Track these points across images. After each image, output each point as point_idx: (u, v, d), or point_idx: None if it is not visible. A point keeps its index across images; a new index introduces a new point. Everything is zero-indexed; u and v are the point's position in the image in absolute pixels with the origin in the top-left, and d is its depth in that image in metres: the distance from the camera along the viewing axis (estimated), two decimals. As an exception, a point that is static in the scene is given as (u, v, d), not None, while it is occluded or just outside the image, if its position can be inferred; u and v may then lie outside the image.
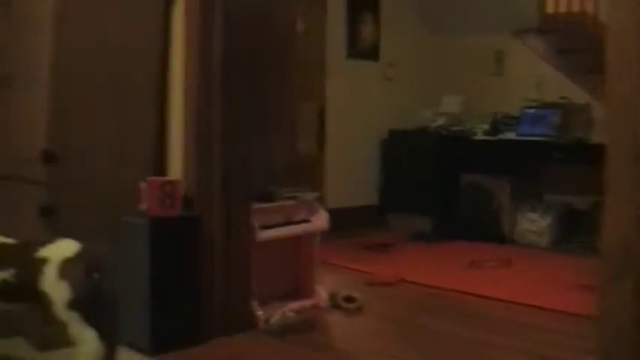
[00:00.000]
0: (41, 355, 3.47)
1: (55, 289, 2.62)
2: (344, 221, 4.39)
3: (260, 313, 3.92)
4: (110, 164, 3.69)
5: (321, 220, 4.34)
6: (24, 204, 3.62)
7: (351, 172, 7.20)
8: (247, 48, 3.81)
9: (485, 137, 7.10)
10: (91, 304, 2.64)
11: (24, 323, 3.59)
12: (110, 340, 2.67)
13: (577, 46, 6.29)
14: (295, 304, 4.24)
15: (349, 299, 4.40)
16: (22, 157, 3.66)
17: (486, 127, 7.14)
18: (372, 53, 7.66)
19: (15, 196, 3.74)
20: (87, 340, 2.61)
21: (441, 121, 7.34)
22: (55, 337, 3.44)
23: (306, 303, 4.32)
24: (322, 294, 4.39)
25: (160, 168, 3.87)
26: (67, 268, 2.63)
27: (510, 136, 6.90)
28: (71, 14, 3.54)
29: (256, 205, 3.92)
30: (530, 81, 7.11)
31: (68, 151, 3.52)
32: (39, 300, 2.70)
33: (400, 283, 5.05)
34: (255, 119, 3.88)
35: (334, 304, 4.39)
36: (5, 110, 3.87)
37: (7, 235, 2.91)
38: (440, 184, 7.19)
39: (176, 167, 3.80)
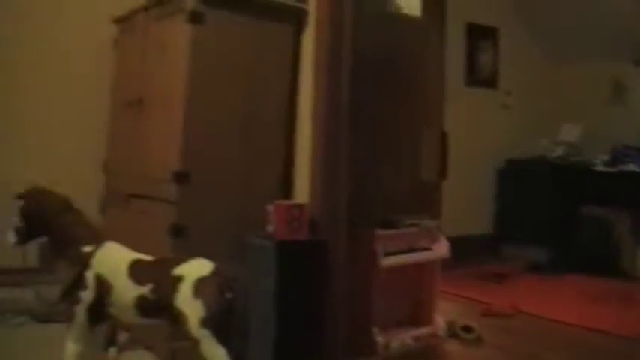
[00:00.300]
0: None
1: (190, 306, 2.69)
2: (457, 250, 4.35)
3: (380, 338, 3.92)
4: (238, 186, 3.78)
5: (442, 248, 4.31)
6: (156, 222, 3.74)
7: (466, 201, 7.13)
8: (375, 76, 3.85)
9: (604, 169, 6.93)
10: (223, 323, 2.70)
11: (153, 338, 3.72)
12: (239, 358, 2.72)
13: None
14: (414, 332, 4.22)
15: (467, 329, 4.35)
16: (156, 177, 3.77)
17: (606, 157, 6.97)
18: (490, 81, 7.60)
19: (148, 215, 3.86)
20: (218, 357, 2.66)
21: (559, 151, 7.21)
22: (181, 352, 3.55)
23: (425, 331, 4.29)
24: (440, 322, 4.35)
25: (287, 192, 3.93)
26: (201, 286, 2.70)
27: (631, 167, 6.71)
28: (206, 41, 3.65)
29: (379, 232, 3.93)
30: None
31: (199, 173, 3.62)
32: (174, 316, 2.78)
33: (517, 314, 4.95)
34: (381, 146, 3.91)
35: (452, 333, 4.35)
36: (140, 132, 4.02)
37: (139, 252, 3.02)
38: (557, 214, 7.04)
39: (302, 191, 3.85)
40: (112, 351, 3.45)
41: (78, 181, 3.94)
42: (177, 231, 3.57)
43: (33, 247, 3.35)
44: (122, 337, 3.73)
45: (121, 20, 4.54)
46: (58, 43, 4.89)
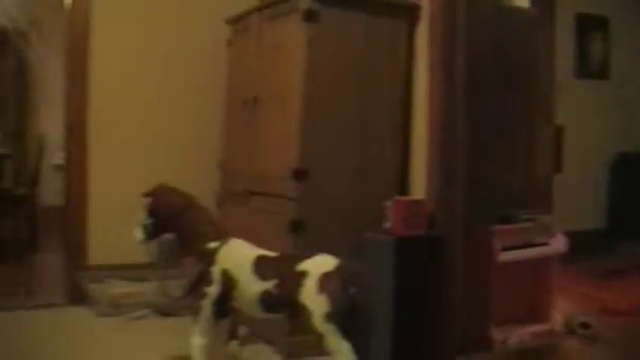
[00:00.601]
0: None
1: (315, 301, 2.72)
2: (570, 245, 4.26)
3: (496, 335, 3.88)
4: (355, 182, 3.80)
5: (559, 243, 4.24)
6: (274, 219, 3.80)
7: (578, 195, 6.97)
8: (488, 71, 3.81)
9: None
10: (347, 318, 2.72)
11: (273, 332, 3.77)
12: (363, 353, 2.73)
13: None
14: (531, 328, 4.16)
15: (585, 326, 4.26)
16: (274, 174, 3.83)
17: None
18: (601, 72, 7.41)
19: (266, 211, 3.92)
20: (342, 352, 2.68)
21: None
22: (301, 346, 3.60)
23: (542, 327, 4.22)
24: (557, 319, 4.28)
25: (403, 187, 3.93)
26: (326, 281, 2.73)
27: None
28: (321, 39, 3.68)
29: (496, 227, 3.89)
30: None
31: (317, 169, 3.66)
32: (297, 311, 2.82)
33: (636, 312, 4.82)
34: (497, 140, 3.87)
35: (569, 329, 4.26)
36: (256, 130, 4.09)
37: (260, 248, 3.08)
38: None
39: (419, 187, 3.85)
40: (234, 344, 3.53)
41: (194, 179, 4.02)
42: (296, 227, 3.62)
43: (154, 244, 3.42)
44: (242, 331, 3.81)
45: (234, 21, 4.62)
46: (174, 45, 5.01)
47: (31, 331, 4.21)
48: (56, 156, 8.14)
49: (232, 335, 3.46)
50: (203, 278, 3.00)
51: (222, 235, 3.07)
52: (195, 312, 3.05)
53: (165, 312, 4.46)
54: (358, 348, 2.71)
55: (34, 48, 9.25)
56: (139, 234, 3.24)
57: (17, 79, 10.02)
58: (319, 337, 2.73)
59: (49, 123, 8.66)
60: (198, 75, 5.05)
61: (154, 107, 5.00)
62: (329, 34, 3.71)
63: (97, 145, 4.87)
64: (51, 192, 8.18)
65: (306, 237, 3.62)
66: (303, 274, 2.77)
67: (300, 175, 3.62)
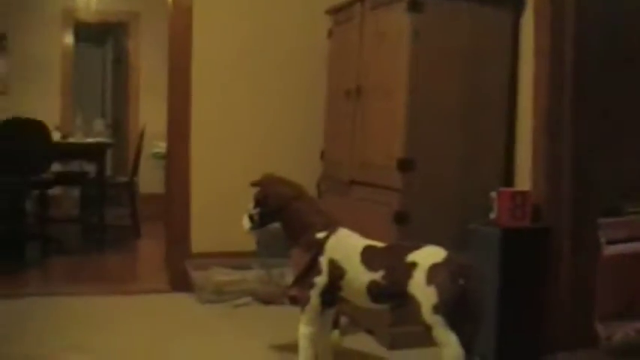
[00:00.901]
0: (389, 352, 3.63)
1: (423, 292, 2.72)
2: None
3: (601, 330, 3.79)
4: (460, 173, 3.76)
5: (668, 238, 4.11)
6: (378, 209, 3.80)
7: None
8: (599, 58, 3.71)
9: None
10: (456, 310, 2.70)
11: (375, 322, 3.78)
12: (470, 346, 2.72)
13: None
14: (637, 324, 4.04)
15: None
16: (378, 164, 3.83)
17: None
18: None
19: (369, 202, 3.93)
20: (449, 343, 2.67)
21: None
22: (403, 337, 3.60)
23: (649, 324, 4.10)
24: (666, 315, 4.15)
25: (508, 178, 3.88)
26: (435, 273, 2.72)
27: None
28: (426, 29, 3.65)
29: (603, 219, 3.80)
30: None
31: (422, 160, 3.64)
32: (406, 302, 2.82)
33: None
34: (605, 130, 3.77)
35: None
36: (360, 120, 4.09)
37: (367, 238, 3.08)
38: None
39: (524, 178, 3.79)
40: (335, 334, 3.55)
41: (295, 168, 4.04)
42: (401, 218, 3.61)
43: (261, 233, 3.46)
44: (343, 321, 3.83)
45: (335, 11, 4.62)
46: (275, 35, 5.06)
47: (136, 316, 4.33)
48: (155, 145, 8.34)
49: (334, 325, 3.48)
50: (311, 268, 3.02)
51: (331, 225, 3.08)
52: (302, 301, 3.08)
53: (267, 300, 4.52)
54: (466, 340, 2.69)
55: (134, 39, 9.45)
56: (246, 223, 3.28)
57: (117, 70, 10.30)
58: (427, 329, 2.72)
59: (149, 112, 8.87)
60: (298, 65, 5.08)
61: (255, 97, 5.06)
62: (433, 23, 3.68)
63: (200, 134, 4.95)
64: (149, 180, 8.37)
65: (410, 228, 3.61)
66: (412, 266, 2.77)
67: (405, 165, 3.60)
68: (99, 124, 7.85)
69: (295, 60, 5.09)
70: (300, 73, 5.09)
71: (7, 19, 8.82)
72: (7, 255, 6.25)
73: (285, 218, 3.18)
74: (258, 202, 3.23)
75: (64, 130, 7.57)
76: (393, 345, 3.69)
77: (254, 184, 3.26)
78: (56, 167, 7.02)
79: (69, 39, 9.23)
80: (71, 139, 7.16)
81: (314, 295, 3.02)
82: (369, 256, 2.92)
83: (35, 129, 6.00)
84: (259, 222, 3.25)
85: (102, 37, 11.15)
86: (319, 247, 3.01)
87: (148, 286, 5.09)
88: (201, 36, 4.95)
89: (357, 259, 2.93)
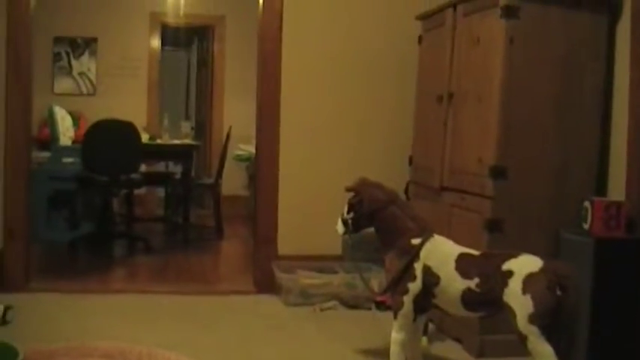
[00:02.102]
0: (476, 361, 3.60)
1: (519, 302, 2.70)
2: None
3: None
4: (553, 181, 3.71)
5: None
6: (469, 216, 3.78)
7: None
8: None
9: None
10: (552, 320, 2.67)
11: (463, 330, 3.76)
12: (566, 358, 2.68)
13: None
14: None
15: None
16: (470, 171, 3.81)
17: None
18: None
19: (460, 208, 3.91)
20: (545, 355, 2.64)
21: None
22: (492, 345, 3.56)
23: None
24: None
25: (601, 187, 3.82)
26: (531, 282, 2.70)
27: None
28: (521, 35, 3.62)
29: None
30: None
31: (515, 167, 3.60)
32: (500, 310, 2.80)
33: None
34: None
35: None
36: (451, 126, 4.07)
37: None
38: None
39: (618, 187, 3.72)
40: (423, 340, 3.54)
41: (383, 172, 4.03)
42: (493, 225, 3.58)
43: (353, 238, 3.47)
44: (431, 327, 3.82)
45: (425, 17, 4.61)
46: (364, 40, 5.07)
47: (223, 316, 4.39)
48: (238, 147, 8.45)
49: (423, 331, 3.47)
50: (405, 274, 3.03)
51: (426, 231, 3.08)
52: (395, 307, 3.08)
53: (352, 304, 4.54)
54: (561, 352, 2.66)
55: (219, 42, 9.59)
56: (340, 228, 3.30)
57: (201, 73, 10.46)
58: (521, 339, 2.70)
59: (232, 115, 8.98)
60: (386, 70, 5.08)
61: (343, 101, 5.07)
62: (528, 29, 3.64)
63: (288, 137, 5.00)
64: (231, 182, 8.48)
65: (501, 236, 3.58)
66: (507, 274, 2.75)
67: (497, 172, 3.58)
68: (185, 126, 7.99)
69: (383, 65, 5.08)
70: (387, 79, 5.08)
71: (98, 23, 9.05)
72: (96, 252, 6.42)
73: (379, 223, 3.19)
74: (352, 207, 3.25)
75: (151, 131, 7.74)
76: (481, 353, 3.66)
77: (348, 189, 3.27)
78: (142, 167, 7.16)
79: (156, 42, 9.42)
80: (159, 141, 7.32)
81: (407, 301, 3.02)
82: (464, 264, 2.91)
83: (126, 130, 6.15)
84: (353, 227, 3.26)
85: (187, 40, 11.34)
86: (414, 253, 3.01)
87: (234, 286, 5.16)
88: (290, 39, 5.00)
89: (451, 266, 2.92)
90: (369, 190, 3.24)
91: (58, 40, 9.03)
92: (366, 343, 3.76)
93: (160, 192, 8.78)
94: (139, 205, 8.28)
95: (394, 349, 3.08)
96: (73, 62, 9.14)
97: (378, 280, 4.36)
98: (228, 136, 7.66)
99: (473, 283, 2.85)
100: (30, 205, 4.94)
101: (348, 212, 3.26)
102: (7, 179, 4.80)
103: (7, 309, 4.05)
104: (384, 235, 3.19)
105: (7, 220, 4.76)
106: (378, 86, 5.08)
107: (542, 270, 2.72)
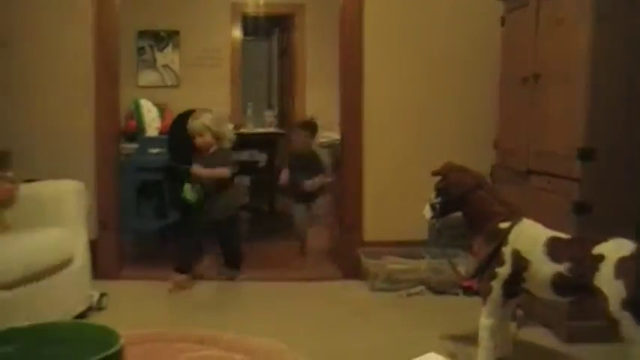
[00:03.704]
0: (566, 346, 3.54)
1: (611, 286, 2.64)
2: None
3: None
4: (644, 162, 3.63)
5: None
6: (556, 199, 3.72)
7: None
8: None
9: None
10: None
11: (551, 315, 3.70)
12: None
13: None
14: None
15: None
16: (557, 153, 3.75)
17: None
18: None
19: (547, 191, 3.85)
20: (638, 341, 2.59)
21: None
22: (581, 331, 3.50)
23: None
24: None
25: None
26: (623, 267, 2.64)
27: None
28: (608, 13, 3.53)
29: None
30: None
31: (604, 148, 3.52)
32: (590, 295, 2.75)
33: None
34: None
35: None
36: (537, 108, 4.01)
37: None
38: None
39: None
40: (512, 326, 3.50)
41: (467, 156, 3.99)
42: (581, 209, 3.51)
43: (440, 222, 3.45)
44: (519, 313, 3.78)
45: (508, -3, 4.55)
46: (445, 22, 5.03)
47: (310, 302, 4.44)
48: (320, 135, 8.47)
49: (511, 317, 3.44)
50: (493, 258, 3.00)
51: (514, 215, 3.05)
52: (484, 292, 3.06)
53: (439, 290, 4.52)
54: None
55: (299, 31, 9.62)
56: (427, 212, 3.29)
57: (282, 62, 10.52)
58: (613, 325, 2.65)
59: (314, 103, 9.01)
60: (470, 53, 5.02)
61: (427, 86, 5.05)
62: (615, 6, 3.55)
63: (372, 123, 5.01)
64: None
65: (589, 219, 3.51)
66: (598, 258, 2.70)
67: (586, 154, 3.50)
68: (269, 115, 8.06)
69: (466, 48, 5.03)
70: (470, 62, 5.03)
71: (179, 16, 9.18)
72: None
73: (467, 207, 3.17)
74: (439, 192, 3.24)
75: (234, 120, 7.84)
76: (571, 339, 3.60)
77: (435, 174, 3.26)
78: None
79: (237, 33, 9.51)
80: (243, 130, 7.41)
81: (496, 286, 3.00)
82: (553, 248, 2.87)
83: (211, 120, 6.23)
84: (441, 211, 3.25)
85: (268, 29, 11.41)
86: (503, 237, 2.98)
87: (320, 273, 5.20)
88: (371, 25, 4.99)
89: (541, 250, 2.88)
90: (457, 174, 3.22)
91: (141, 34, 9.20)
92: (454, 329, 3.74)
93: (245, 180, 8.88)
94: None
95: (483, 335, 3.06)
96: (157, 55, 9.30)
97: (464, 265, 4.34)
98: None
99: (563, 268, 2.80)
100: (120, 197, 5.08)
101: (436, 197, 3.25)
102: (98, 171, 4.94)
103: (101, 296, 4.18)
104: (471, 219, 3.17)
105: (100, 211, 4.91)
106: (461, 69, 5.03)
107: (634, 254, 2.66)
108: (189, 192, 4.86)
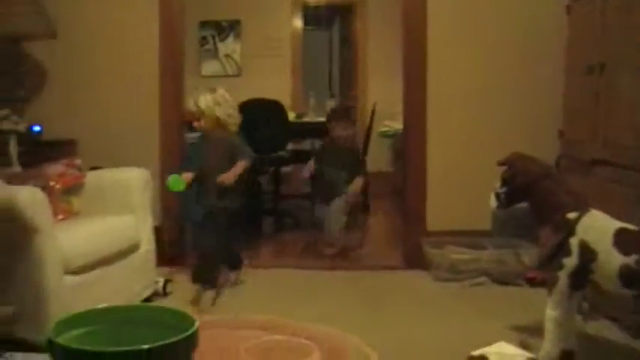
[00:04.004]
0: (635, 341, 3.49)
1: None
2: None
3: None
4: None
5: None
6: (623, 190, 3.65)
7: None
8: None
9: None
10: None
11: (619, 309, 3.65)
12: None
13: None
14: None
15: None
16: (624, 143, 3.68)
17: None
18: None
19: (614, 182, 3.78)
20: None
21: None
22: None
23: None
24: None
25: None
26: None
27: None
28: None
29: None
30: None
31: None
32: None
33: None
34: None
35: None
36: (603, 97, 3.94)
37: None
38: None
39: None
40: (578, 319, 3.46)
41: (532, 146, 3.92)
42: (653, 198, 3.45)
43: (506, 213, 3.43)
44: (584, 306, 3.73)
45: (575, -14, 4.48)
46: (510, 11, 4.97)
47: (374, 291, 4.45)
48: (382, 124, 8.47)
49: (578, 309, 3.39)
50: (560, 249, 2.96)
51: (582, 206, 3.00)
52: (550, 283, 3.03)
53: (502, 281, 4.49)
54: None
55: (361, 20, 9.62)
56: (493, 202, 3.26)
57: (344, 51, 10.53)
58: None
59: (376, 92, 9.00)
60: (535, 42, 4.94)
61: (491, 75, 4.98)
62: None
63: (435, 112, 4.97)
64: (376, 158, 8.49)
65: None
66: None
67: (657, 144, 3.44)
68: (331, 105, 8.08)
69: (531, 37, 4.95)
70: (535, 50, 4.94)
71: (241, 5, 9.27)
72: (246, 229, 6.60)
73: (533, 197, 3.13)
74: (505, 181, 3.20)
75: (296, 110, 7.88)
76: (638, 333, 3.54)
77: (501, 163, 3.23)
78: (288, 145, 7.30)
79: (298, 22, 9.55)
80: (305, 119, 7.45)
81: (563, 277, 2.95)
82: (622, 240, 2.82)
83: (274, 109, 6.28)
84: (506, 201, 3.22)
85: (329, 19, 11.43)
86: (570, 228, 2.94)
87: (382, 261, 5.21)
88: (435, 14, 4.96)
89: (609, 241, 2.84)
90: (523, 163, 3.18)
91: (204, 24, 9.31)
92: (519, 320, 3.71)
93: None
94: (286, 183, 8.43)
95: (549, 327, 3.02)
96: (219, 45, 9.40)
97: (528, 256, 4.30)
98: (373, 112, 7.68)
99: (631, 260, 2.75)
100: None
101: (501, 186, 3.22)
102: (163, 160, 5.02)
103: (167, 282, 4.25)
104: (538, 209, 3.13)
105: (164, 199, 4.98)
106: (526, 59, 4.96)
107: None
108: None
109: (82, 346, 1.18)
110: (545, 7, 4.88)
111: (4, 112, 4.31)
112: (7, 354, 1.68)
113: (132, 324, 1.35)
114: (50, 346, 1.18)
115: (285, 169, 8.18)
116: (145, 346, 1.16)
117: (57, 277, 3.21)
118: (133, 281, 3.93)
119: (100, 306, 1.37)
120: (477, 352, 2.78)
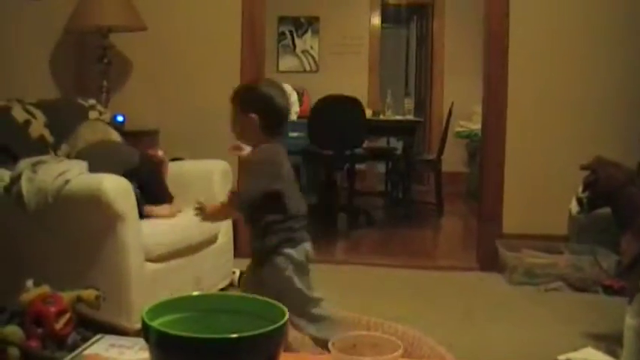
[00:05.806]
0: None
1: None
2: None
3: None
4: None
5: None
6: None
7: None
8: None
9: None
10: None
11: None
12: None
13: None
14: None
15: None
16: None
17: None
18: None
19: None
20: None
21: None
22: None
23: None
24: None
25: None
26: None
27: None
28: None
29: None
30: None
31: None
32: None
33: None
34: None
35: None
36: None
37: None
38: None
39: None
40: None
41: (614, 149, 3.80)
42: None
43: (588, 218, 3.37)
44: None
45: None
46: (597, 13, 4.87)
47: (448, 291, 4.43)
48: (458, 124, 8.42)
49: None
50: (644, 256, 2.91)
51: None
52: (631, 291, 2.97)
53: (579, 287, 4.41)
54: None
55: (438, 19, 9.57)
56: (574, 207, 3.22)
57: (421, 50, 10.48)
58: None
59: (453, 92, 8.94)
60: (620, 43, 4.82)
61: (574, 77, 4.88)
62: None
63: (515, 113, 4.91)
64: (451, 159, 8.44)
65: None
66: None
67: None
68: (408, 103, 8.07)
69: (616, 38, 4.85)
70: (620, 53, 4.83)
71: (320, 2, 9.31)
72: (320, 224, 6.63)
73: (616, 203, 3.07)
74: (587, 186, 3.15)
75: (373, 107, 7.88)
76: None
77: (584, 168, 3.18)
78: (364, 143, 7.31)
79: (376, 20, 9.55)
80: (382, 117, 7.45)
81: (646, 285, 2.90)
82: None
83: (352, 106, 6.29)
84: (588, 206, 3.17)
85: (407, 17, 11.39)
86: (653, 234, 2.89)
87: (456, 262, 5.18)
88: (517, 14, 4.89)
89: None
90: (607, 168, 3.12)
91: (282, 20, 9.38)
92: (596, 328, 3.64)
93: (381, 167, 8.93)
94: (360, 180, 8.45)
95: (628, 335, 2.96)
96: (297, 41, 9.46)
97: (607, 262, 4.23)
98: (450, 112, 7.63)
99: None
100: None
101: (583, 191, 3.17)
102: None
103: (242, 273, 4.29)
104: (621, 215, 3.07)
105: (241, 191, 5.01)
106: (610, 61, 4.86)
107: None
108: None
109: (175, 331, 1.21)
110: (632, 6, 4.77)
111: (91, 102, 4.41)
112: (99, 335, 1.72)
113: (220, 312, 1.37)
114: (145, 331, 1.21)
115: (360, 166, 8.21)
116: (246, 334, 1.18)
117: (139, 264, 3.28)
118: (211, 272, 3.99)
119: (192, 293, 1.40)
120: (563, 357, 2.75)
